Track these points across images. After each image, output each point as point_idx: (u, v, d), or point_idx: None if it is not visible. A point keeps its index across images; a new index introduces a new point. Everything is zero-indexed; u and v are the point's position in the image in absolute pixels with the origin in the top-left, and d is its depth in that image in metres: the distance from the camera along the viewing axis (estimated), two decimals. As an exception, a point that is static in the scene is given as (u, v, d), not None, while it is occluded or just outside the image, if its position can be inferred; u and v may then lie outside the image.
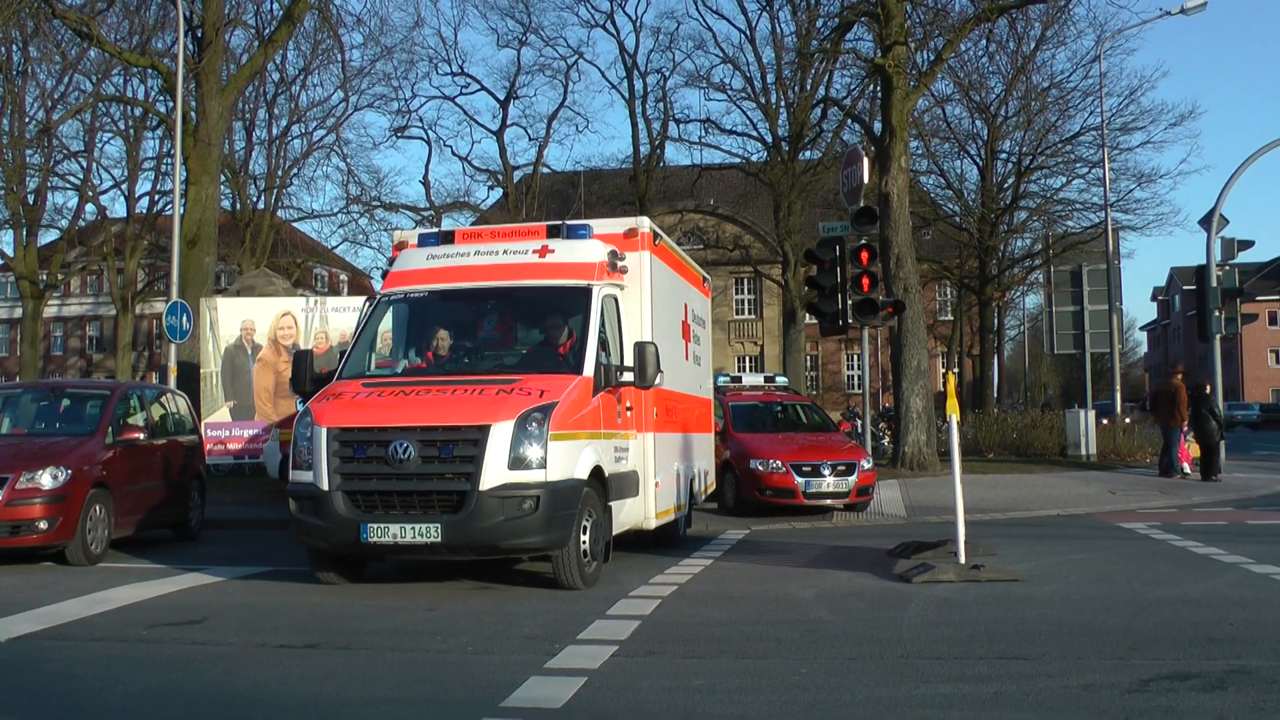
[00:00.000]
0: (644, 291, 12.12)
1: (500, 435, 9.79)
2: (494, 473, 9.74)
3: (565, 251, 11.64)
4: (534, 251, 11.69)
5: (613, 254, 11.74)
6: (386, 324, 11.95)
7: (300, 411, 10.80)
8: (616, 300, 11.80)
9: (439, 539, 9.76)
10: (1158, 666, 7.10)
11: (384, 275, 12.48)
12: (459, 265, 11.78)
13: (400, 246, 12.50)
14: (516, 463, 9.80)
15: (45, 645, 8.34)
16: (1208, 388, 23.67)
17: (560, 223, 12.10)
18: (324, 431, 10.11)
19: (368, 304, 12.29)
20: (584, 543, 10.39)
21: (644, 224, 12.34)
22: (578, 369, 10.77)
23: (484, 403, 10.08)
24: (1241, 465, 26.44)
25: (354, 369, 11.33)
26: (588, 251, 11.66)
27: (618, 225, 12.41)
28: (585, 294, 11.28)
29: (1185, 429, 23.56)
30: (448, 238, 12.25)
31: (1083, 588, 10.52)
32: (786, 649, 7.90)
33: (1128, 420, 30.51)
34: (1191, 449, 24.01)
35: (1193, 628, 8.41)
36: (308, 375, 11.37)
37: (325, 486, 9.99)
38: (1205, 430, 22.79)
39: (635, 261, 12.07)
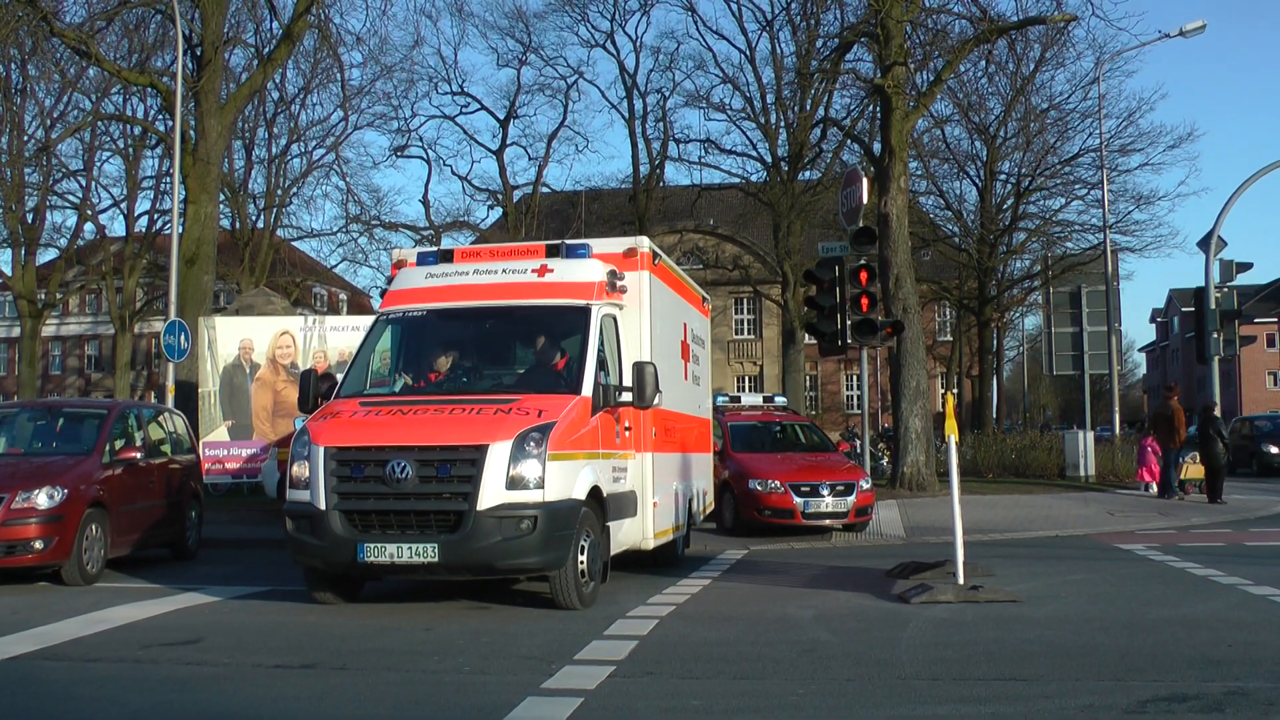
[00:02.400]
0: (643, 311, 12.10)
1: (498, 455, 9.78)
2: (491, 493, 9.73)
3: (564, 271, 11.62)
4: (533, 271, 11.68)
5: (612, 274, 11.73)
6: (385, 343, 11.92)
7: (298, 430, 10.78)
8: (615, 320, 11.79)
9: (436, 559, 9.74)
10: (1156, 688, 7.08)
11: (383, 294, 12.47)
12: (458, 284, 11.77)
13: (399, 265, 12.49)
14: (514, 483, 9.78)
15: (41, 666, 8.31)
16: (1216, 409, 23.61)
17: (559, 242, 12.07)
18: (321, 451, 10.10)
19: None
20: (581, 563, 10.36)
21: (643, 244, 12.33)
22: (576, 389, 10.75)
23: (482, 422, 10.07)
24: (1240, 487, 26.40)
25: (352, 388, 11.31)
26: (587, 271, 11.65)
27: (617, 245, 12.39)
28: (584, 314, 11.25)
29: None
30: (447, 256, 12.24)
31: (1081, 609, 10.50)
32: (785, 669, 7.87)
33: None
34: (1189, 470, 24.00)
35: (1191, 649, 8.39)
36: (313, 394, 11.35)
37: (322, 506, 9.98)
38: (1212, 452, 22.70)
39: (635, 281, 12.06)
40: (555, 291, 11.50)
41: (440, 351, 11.75)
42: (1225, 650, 8.34)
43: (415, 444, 9.95)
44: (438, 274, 11.94)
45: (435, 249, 12.92)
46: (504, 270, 11.78)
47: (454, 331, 11.95)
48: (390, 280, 12.47)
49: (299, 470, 10.27)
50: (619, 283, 11.82)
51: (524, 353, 11.92)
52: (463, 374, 11.58)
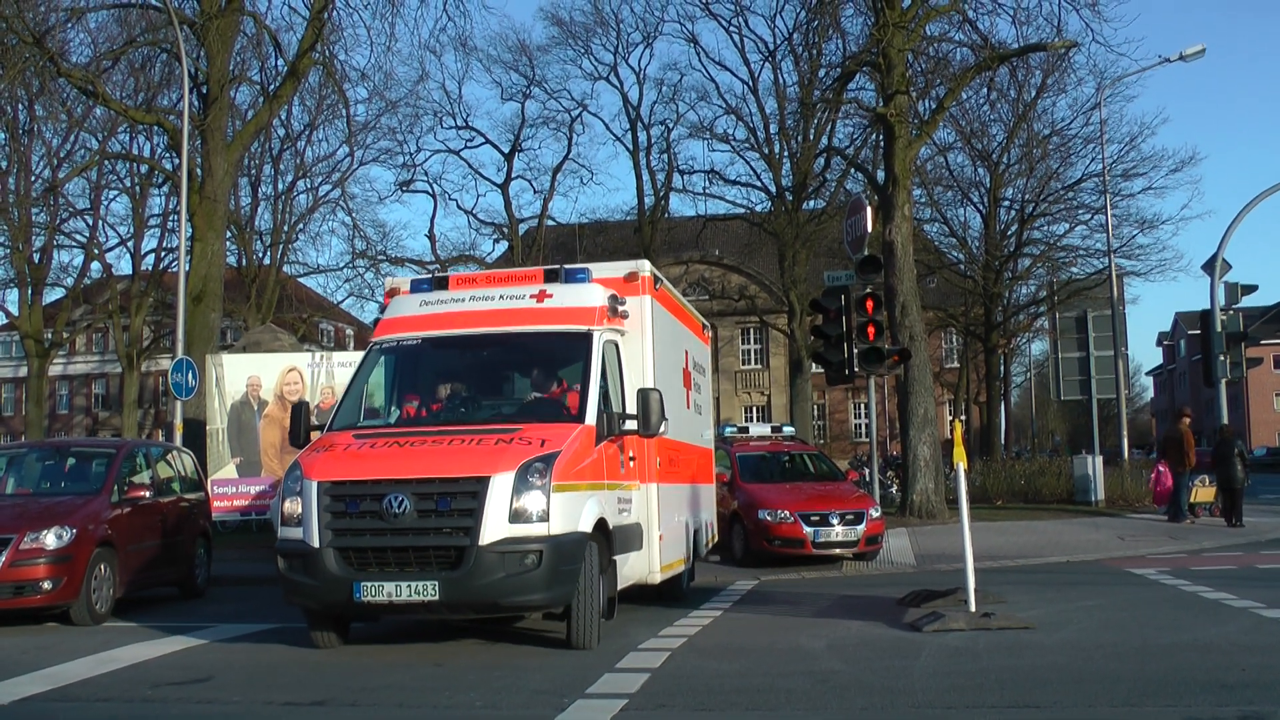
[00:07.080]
0: (645, 337, 11.84)
1: (500, 487, 9.44)
2: (494, 526, 9.37)
3: (564, 296, 11.33)
4: (531, 296, 11.38)
5: (613, 298, 11.43)
6: (379, 373, 11.57)
7: (290, 465, 10.41)
8: (618, 346, 11.50)
9: (437, 597, 9.35)
10: (1170, 713, 7.03)
11: (374, 323, 12.19)
12: (453, 311, 11.46)
13: (392, 293, 12.13)
14: (517, 516, 9.43)
15: (51, 707, 8.28)
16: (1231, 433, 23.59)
17: (558, 266, 11.77)
18: (314, 485, 9.72)
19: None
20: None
21: (644, 267, 12.05)
22: (579, 418, 10.45)
23: (482, 453, 9.76)
24: (1249, 509, 26.24)
25: (345, 420, 10.98)
26: (587, 296, 11.36)
27: (618, 269, 12.08)
28: (585, 339, 10.98)
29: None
30: (441, 283, 11.86)
31: (1094, 634, 10.43)
32: (798, 700, 7.82)
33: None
34: (1199, 494, 23.93)
35: (1204, 674, 8.32)
36: (304, 427, 10.98)
37: (316, 543, 9.58)
38: (1231, 475, 22.59)
39: (636, 306, 11.79)
40: (555, 317, 11.22)
41: (437, 381, 11.53)
42: (1239, 674, 8.28)
43: (413, 476, 9.59)
44: (432, 301, 11.61)
45: (429, 276, 12.61)
46: (501, 296, 11.49)
47: (451, 360, 11.69)
48: (384, 309, 12.09)
49: (291, 506, 9.90)
50: (620, 308, 11.53)
51: (524, 381, 11.63)
52: (461, 403, 11.32)
